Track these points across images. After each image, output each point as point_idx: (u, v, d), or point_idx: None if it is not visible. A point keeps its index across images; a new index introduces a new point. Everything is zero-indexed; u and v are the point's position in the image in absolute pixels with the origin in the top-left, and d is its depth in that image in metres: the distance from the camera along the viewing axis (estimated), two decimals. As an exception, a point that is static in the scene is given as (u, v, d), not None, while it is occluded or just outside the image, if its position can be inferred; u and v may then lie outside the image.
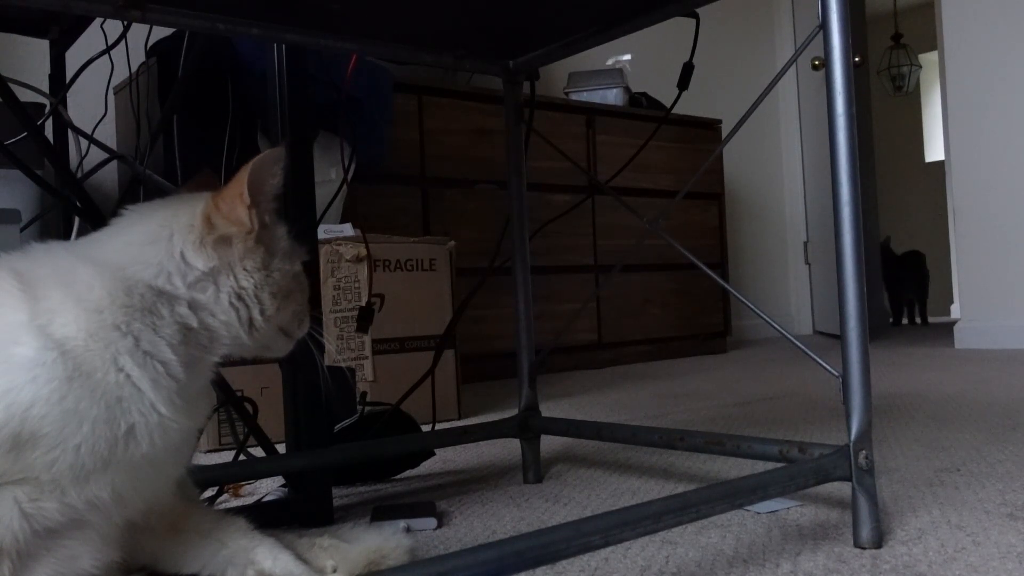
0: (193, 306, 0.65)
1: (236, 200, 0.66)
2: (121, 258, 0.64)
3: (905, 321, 5.49)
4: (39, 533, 0.58)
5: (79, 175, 1.54)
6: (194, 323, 0.65)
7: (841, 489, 1.06)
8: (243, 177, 0.65)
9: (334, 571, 0.74)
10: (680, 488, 1.19)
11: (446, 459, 1.47)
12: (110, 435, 0.58)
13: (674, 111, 1.55)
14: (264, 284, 0.68)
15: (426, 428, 1.41)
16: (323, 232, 1.83)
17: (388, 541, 0.79)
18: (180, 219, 0.66)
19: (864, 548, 0.86)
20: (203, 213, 0.66)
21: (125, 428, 0.59)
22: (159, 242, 0.65)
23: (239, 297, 0.66)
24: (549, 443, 1.50)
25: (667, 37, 2.47)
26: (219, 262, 0.66)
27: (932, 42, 4.09)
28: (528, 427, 1.25)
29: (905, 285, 5.37)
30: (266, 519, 0.79)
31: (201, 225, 0.66)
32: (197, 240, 0.65)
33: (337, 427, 1.29)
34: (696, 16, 1.23)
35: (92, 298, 0.60)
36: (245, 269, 0.67)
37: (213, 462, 1.12)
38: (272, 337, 0.71)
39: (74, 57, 1.59)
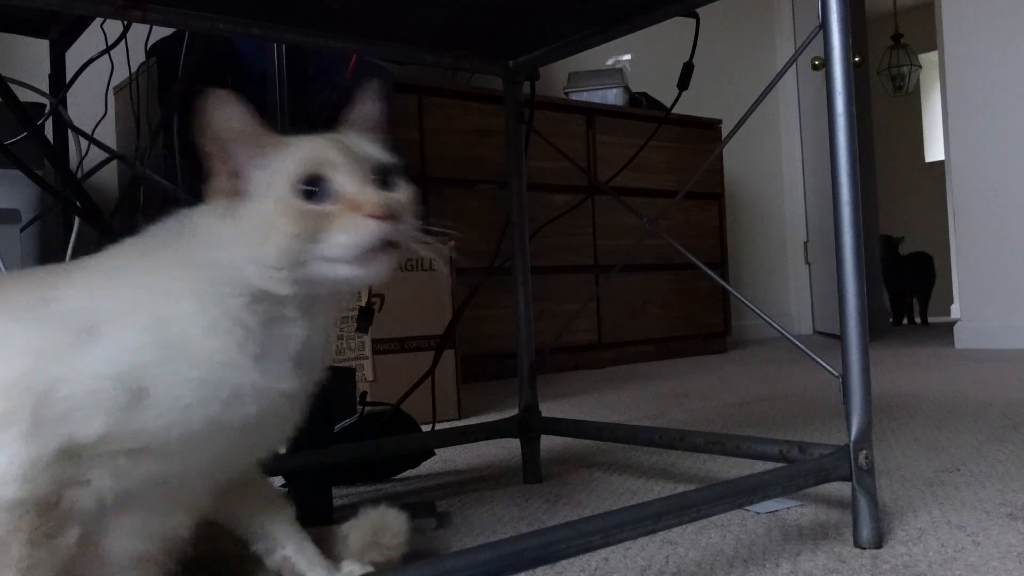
0: (235, 271, 0.62)
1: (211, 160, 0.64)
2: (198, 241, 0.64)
3: (905, 321, 5.49)
4: (127, 495, 0.59)
5: (79, 175, 1.54)
6: (247, 292, 0.62)
7: (841, 489, 1.06)
8: (204, 141, 0.63)
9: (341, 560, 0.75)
10: (680, 488, 1.19)
11: (446, 459, 1.47)
12: (213, 397, 0.59)
13: (674, 111, 1.55)
14: (268, 232, 0.61)
15: (426, 428, 1.41)
16: (323, 232, 1.83)
17: (387, 514, 0.81)
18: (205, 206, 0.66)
19: (864, 548, 0.86)
20: (209, 188, 0.65)
21: (227, 392, 0.59)
22: (204, 217, 0.64)
23: (243, 255, 0.62)
24: (549, 443, 1.50)
25: (667, 37, 2.47)
26: (229, 226, 0.63)
27: (932, 42, 4.09)
28: (528, 427, 1.25)
29: (909, 286, 5.38)
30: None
31: (211, 198, 0.65)
32: (216, 210, 0.64)
33: (337, 427, 1.29)
34: (696, 16, 1.23)
35: (194, 268, 0.62)
36: (233, 229, 0.63)
37: (213, 462, 1.12)
38: (313, 280, 0.61)
39: (74, 57, 1.59)
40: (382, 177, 0.64)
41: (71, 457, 0.56)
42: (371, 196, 0.60)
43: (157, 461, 0.59)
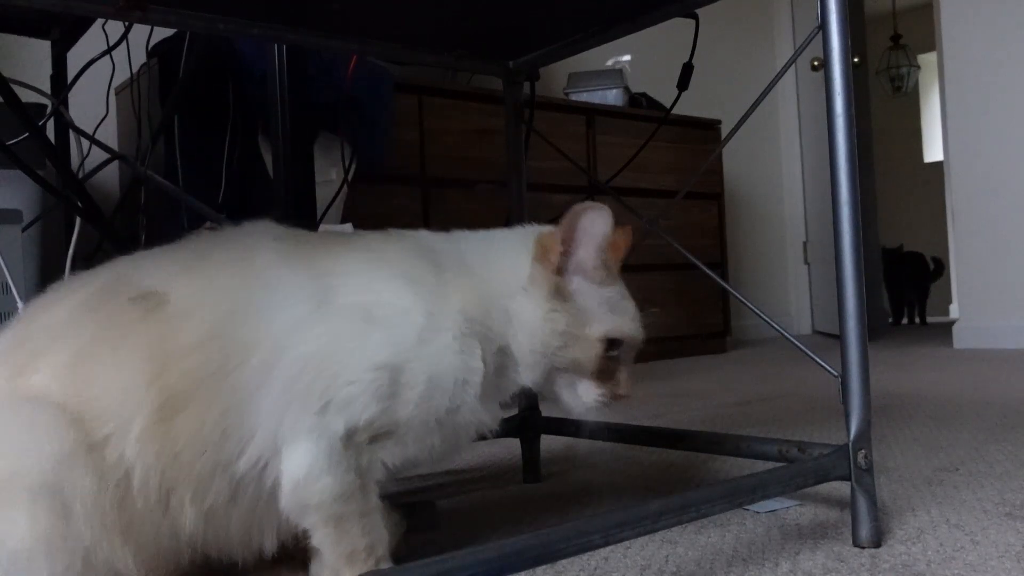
0: (508, 312, 0.74)
1: (555, 236, 0.75)
2: (495, 263, 0.77)
3: (905, 321, 5.50)
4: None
5: (80, 175, 1.55)
6: (507, 336, 0.75)
7: (840, 489, 1.07)
8: (563, 222, 0.75)
9: None
10: (680, 488, 1.19)
11: (446, 459, 1.47)
12: (448, 406, 0.70)
13: (674, 111, 1.55)
14: (546, 318, 0.74)
15: (426, 428, 1.41)
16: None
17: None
18: (531, 237, 0.78)
19: (863, 547, 0.86)
20: (540, 234, 0.77)
21: (456, 405, 0.71)
22: (515, 251, 0.77)
23: (528, 319, 0.74)
24: (549, 443, 1.50)
25: (667, 37, 2.47)
26: (532, 279, 0.75)
27: (931, 43, 4.09)
28: (528, 426, 1.25)
29: (907, 286, 5.39)
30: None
31: (534, 244, 0.76)
32: (530, 256, 0.76)
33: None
34: (696, 17, 1.23)
35: (475, 294, 0.73)
36: (538, 296, 0.74)
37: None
38: (548, 381, 0.77)
39: (75, 58, 1.59)
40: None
41: (353, 440, 0.66)
42: (628, 383, 0.78)
43: (396, 446, 0.69)
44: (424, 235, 0.80)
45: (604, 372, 0.76)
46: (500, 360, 0.75)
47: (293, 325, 0.66)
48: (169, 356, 0.63)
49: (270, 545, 0.70)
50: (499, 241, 0.80)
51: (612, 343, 0.76)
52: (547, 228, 0.79)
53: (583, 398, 0.77)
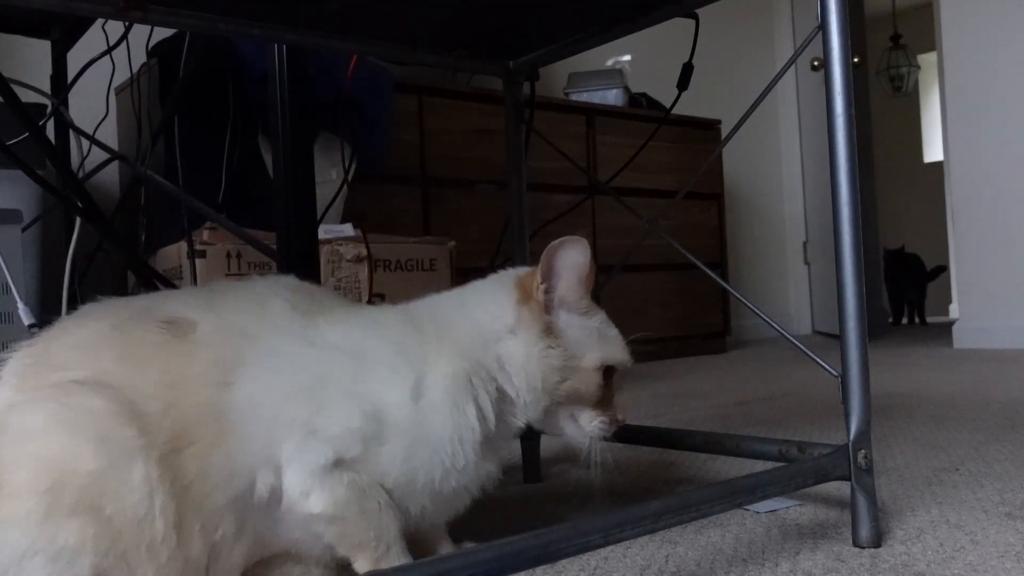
0: (499, 358, 0.75)
1: (535, 275, 0.77)
2: (473, 313, 0.78)
3: (905, 321, 5.51)
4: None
5: (80, 175, 1.55)
6: (501, 382, 0.76)
7: (840, 488, 1.07)
8: (542, 259, 0.76)
9: None
10: (680, 488, 1.19)
11: (446, 459, 1.47)
12: (444, 466, 0.71)
13: (674, 111, 1.55)
14: (542, 356, 0.75)
15: (426, 428, 1.41)
16: (324, 232, 1.83)
17: None
18: (510, 280, 0.79)
19: (863, 547, 0.86)
20: (518, 277, 0.79)
21: (455, 465, 0.71)
22: (493, 297, 0.79)
23: (522, 361, 0.75)
24: (549, 443, 1.50)
25: (667, 37, 2.47)
26: (519, 321, 0.76)
27: (931, 43, 4.09)
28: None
29: (907, 285, 5.40)
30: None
31: (514, 287, 0.78)
32: (513, 299, 0.77)
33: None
34: (696, 17, 1.23)
35: (458, 351, 0.74)
36: (529, 336, 0.76)
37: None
38: (548, 416, 0.78)
39: (75, 58, 1.59)
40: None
41: (341, 464, 0.67)
42: (627, 407, 0.80)
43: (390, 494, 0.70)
44: (410, 305, 0.83)
45: (602, 400, 0.78)
46: (500, 407, 0.76)
47: (281, 360, 0.69)
48: (184, 387, 0.65)
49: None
50: (475, 291, 0.82)
51: (607, 370, 0.78)
52: (523, 269, 0.81)
53: (586, 428, 0.78)
